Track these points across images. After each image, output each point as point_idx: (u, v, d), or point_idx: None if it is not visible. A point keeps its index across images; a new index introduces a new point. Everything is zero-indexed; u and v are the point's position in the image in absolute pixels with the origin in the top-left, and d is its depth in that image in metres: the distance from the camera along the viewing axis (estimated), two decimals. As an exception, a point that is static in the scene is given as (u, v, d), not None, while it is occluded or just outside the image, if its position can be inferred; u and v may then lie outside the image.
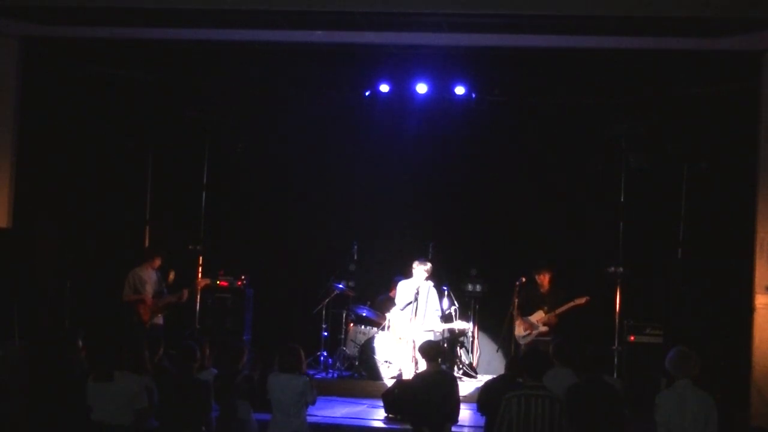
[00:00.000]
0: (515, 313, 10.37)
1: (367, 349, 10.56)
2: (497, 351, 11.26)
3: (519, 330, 10.35)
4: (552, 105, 11.44)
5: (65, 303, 10.40)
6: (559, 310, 10.15)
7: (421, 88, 11.41)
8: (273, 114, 11.89)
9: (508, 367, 7.33)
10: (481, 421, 7.25)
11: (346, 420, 8.92)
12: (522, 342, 10.33)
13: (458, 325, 10.85)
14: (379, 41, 9.96)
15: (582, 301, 10.12)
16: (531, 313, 10.32)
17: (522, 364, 6.57)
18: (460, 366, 11.07)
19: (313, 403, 6.97)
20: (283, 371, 6.88)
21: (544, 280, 10.34)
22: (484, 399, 7.01)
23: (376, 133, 11.91)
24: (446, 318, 10.81)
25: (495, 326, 11.57)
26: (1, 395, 8.26)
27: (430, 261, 10.52)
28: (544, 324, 10.21)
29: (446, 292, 11.05)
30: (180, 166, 11.73)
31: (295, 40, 9.90)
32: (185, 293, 10.28)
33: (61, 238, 10.86)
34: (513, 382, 6.80)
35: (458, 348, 11.19)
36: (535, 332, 10.25)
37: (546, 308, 10.25)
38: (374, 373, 10.42)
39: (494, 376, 8.08)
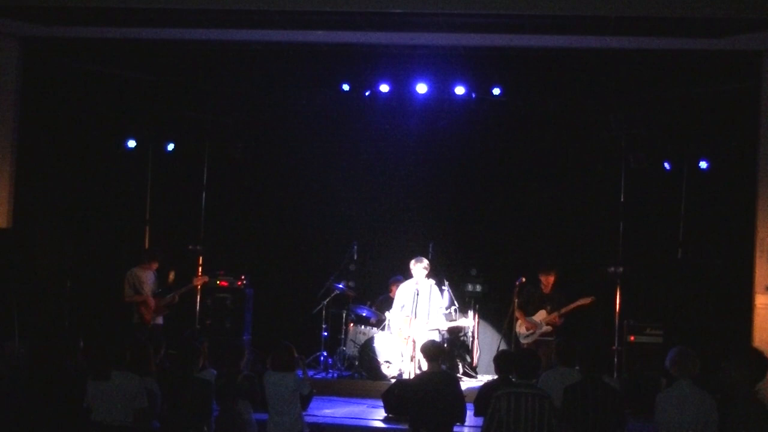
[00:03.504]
0: (518, 312, 10.37)
1: (367, 349, 10.54)
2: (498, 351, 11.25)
3: (521, 329, 10.33)
4: (552, 105, 11.43)
5: (65, 303, 10.40)
6: (564, 310, 10.14)
7: (421, 88, 11.38)
8: (273, 114, 11.88)
9: (496, 368, 7.24)
10: (480, 421, 7.20)
11: (346, 420, 8.91)
12: (524, 341, 10.31)
13: (459, 322, 10.85)
14: (379, 41, 9.97)
15: (587, 301, 10.11)
16: (534, 313, 10.32)
17: (514, 364, 6.56)
18: (460, 366, 11.06)
19: (308, 392, 7.02)
20: (275, 370, 6.93)
21: (548, 280, 10.32)
22: (480, 402, 6.97)
23: (376, 133, 11.91)
24: (446, 317, 10.80)
25: (495, 326, 11.61)
26: (1, 395, 8.25)
27: (429, 260, 10.49)
28: (548, 324, 10.20)
29: (446, 292, 11.03)
30: (180, 166, 11.73)
31: (295, 40, 9.90)
32: (194, 283, 10.43)
33: (61, 238, 10.86)
34: (508, 382, 6.77)
35: (458, 348, 11.18)
36: (538, 332, 10.24)
37: (549, 308, 10.24)
38: (374, 373, 10.40)
39: (491, 379, 8.06)
